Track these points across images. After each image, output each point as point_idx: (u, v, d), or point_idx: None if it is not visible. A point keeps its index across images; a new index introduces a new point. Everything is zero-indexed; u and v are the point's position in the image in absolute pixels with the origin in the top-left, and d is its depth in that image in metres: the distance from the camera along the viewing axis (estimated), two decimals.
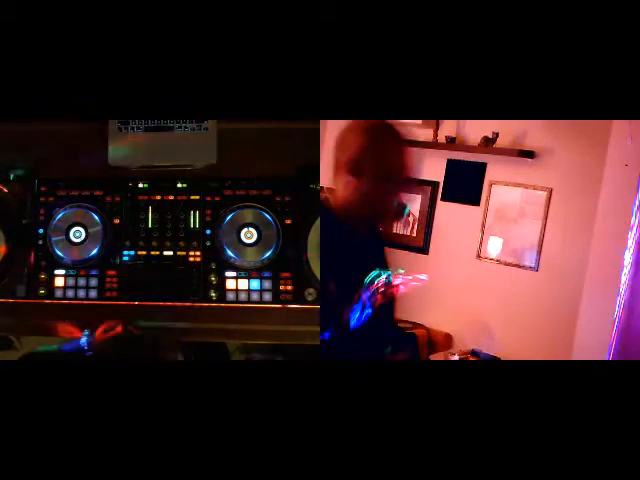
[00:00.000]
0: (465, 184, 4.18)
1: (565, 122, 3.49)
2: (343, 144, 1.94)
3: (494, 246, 4.02)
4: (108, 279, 2.29)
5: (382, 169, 1.88)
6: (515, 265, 3.90)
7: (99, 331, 2.17)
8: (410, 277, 1.87)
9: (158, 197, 2.33)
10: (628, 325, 3.26)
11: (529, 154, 3.79)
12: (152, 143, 2.32)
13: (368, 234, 2.03)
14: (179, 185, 2.33)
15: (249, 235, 2.28)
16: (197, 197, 2.32)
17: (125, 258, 2.30)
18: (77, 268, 2.30)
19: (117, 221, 2.32)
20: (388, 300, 1.86)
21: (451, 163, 4.23)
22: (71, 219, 2.30)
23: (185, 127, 2.31)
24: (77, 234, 2.29)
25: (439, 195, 4.31)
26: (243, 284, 2.27)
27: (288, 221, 2.29)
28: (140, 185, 2.33)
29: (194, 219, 2.31)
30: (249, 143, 2.30)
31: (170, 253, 2.30)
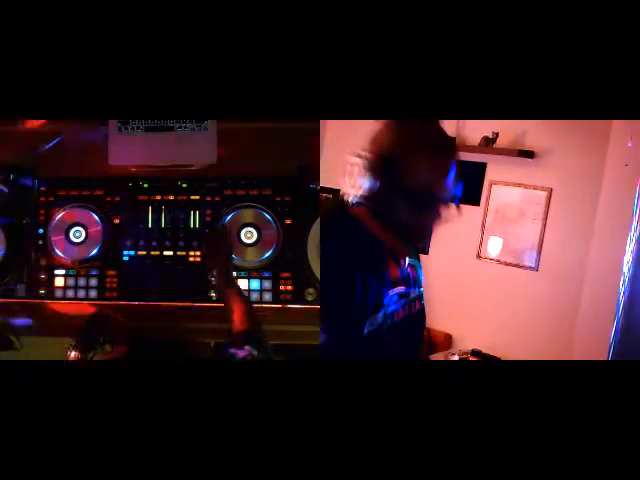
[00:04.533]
0: (465, 184, 4.18)
1: (565, 122, 3.49)
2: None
3: (494, 246, 4.02)
4: (108, 279, 2.29)
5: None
6: (515, 265, 3.90)
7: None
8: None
9: (158, 197, 2.33)
10: (628, 325, 3.25)
11: (529, 154, 3.79)
12: (152, 143, 2.32)
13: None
14: (179, 185, 2.33)
15: (249, 235, 2.28)
16: (197, 197, 2.32)
17: (125, 258, 2.30)
18: (77, 268, 2.30)
19: (117, 221, 2.32)
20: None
21: None
22: (71, 219, 2.30)
23: (185, 127, 2.32)
24: (77, 234, 2.29)
25: None
26: (243, 284, 2.27)
27: (288, 221, 2.30)
28: (140, 185, 2.33)
29: (194, 219, 2.31)
30: (249, 143, 2.30)
31: (170, 253, 2.31)
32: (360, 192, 1.58)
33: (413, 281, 1.82)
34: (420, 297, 1.85)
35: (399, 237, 1.68)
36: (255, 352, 1.84)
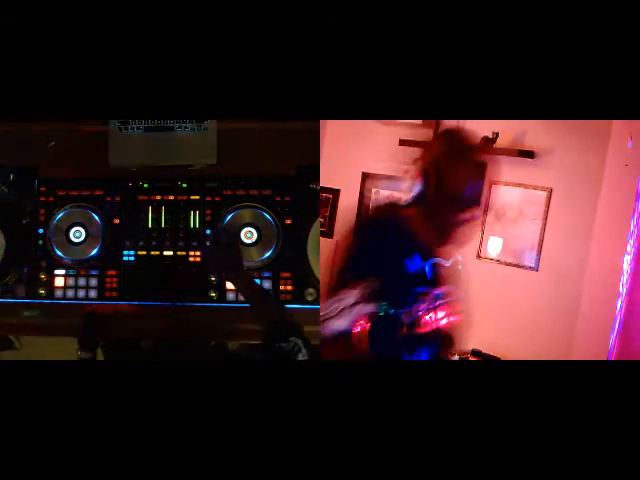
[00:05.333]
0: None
1: (565, 122, 3.48)
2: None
3: (494, 246, 4.02)
4: (108, 279, 2.29)
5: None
6: (515, 265, 3.89)
7: None
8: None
9: (158, 197, 2.33)
10: (628, 325, 3.25)
11: (529, 154, 3.78)
12: (152, 143, 2.32)
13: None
14: (179, 185, 2.33)
15: (249, 235, 2.28)
16: (197, 197, 2.32)
17: (125, 258, 2.30)
18: (77, 268, 2.30)
19: (117, 221, 2.32)
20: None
21: None
22: (71, 219, 2.30)
23: (185, 127, 2.31)
24: (77, 234, 2.29)
25: None
26: None
27: (288, 221, 2.30)
28: (140, 185, 2.33)
29: (194, 219, 2.31)
30: (249, 143, 2.30)
31: (170, 253, 2.30)
32: (411, 195, 1.80)
33: (439, 282, 1.92)
34: (450, 301, 1.95)
35: (441, 237, 1.86)
36: (300, 342, 1.86)
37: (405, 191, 1.84)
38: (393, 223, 1.81)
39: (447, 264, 1.94)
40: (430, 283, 1.86)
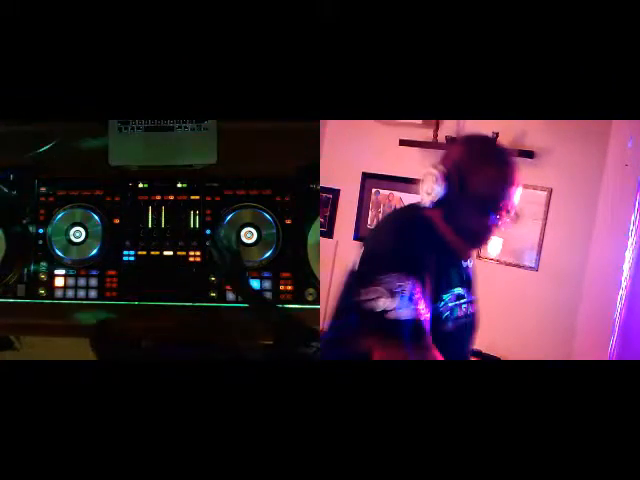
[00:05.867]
0: None
1: (565, 122, 3.48)
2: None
3: (494, 246, 4.01)
4: (108, 279, 2.29)
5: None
6: (515, 265, 3.89)
7: None
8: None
9: (158, 197, 2.33)
10: (628, 325, 3.25)
11: (529, 154, 3.78)
12: (152, 143, 2.32)
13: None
14: (179, 185, 2.33)
15: (249, 235, 2.28)
16: (197, 197, 2.32)
17: (125, 258, 2.30)
18: (77, 268, 2.30)
19: (117, 221, 2.32)
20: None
21: None
22: (71, 219, 2.30)
23: (185, 127, 2.32)
24: (77, 234, 2.29)
25: None
26: None
27: (288, 221, 2.30)
28: (140, 185, 2.33)
29: (194, 219, 2.31)
30: (249, 143, 2.30)
31: (170, 253, 2.30)
32: (434, 198, 1.77)
33: (470, 284, 1.91)
34: (473, 302, 1.92)
35: (465, 240, 1.84)
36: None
37: (422, 194, 1.80)
38: (423, 222, 1.80)
39: (470, 265, 1.95)
40: (466, 284, 1.88)
